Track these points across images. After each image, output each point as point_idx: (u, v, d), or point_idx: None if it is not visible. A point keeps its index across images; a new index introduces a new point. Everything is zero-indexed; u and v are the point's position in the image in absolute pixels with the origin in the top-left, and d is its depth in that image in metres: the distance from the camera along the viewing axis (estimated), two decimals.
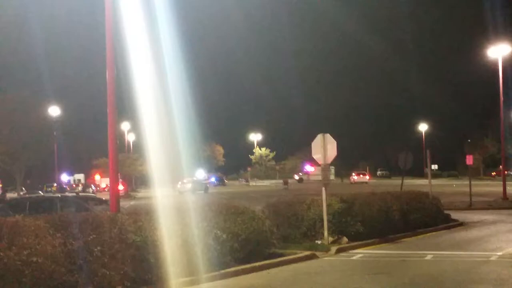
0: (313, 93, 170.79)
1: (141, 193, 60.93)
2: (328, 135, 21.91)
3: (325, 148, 21.69)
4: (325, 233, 20.77)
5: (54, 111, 75.34)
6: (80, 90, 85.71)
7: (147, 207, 16.65)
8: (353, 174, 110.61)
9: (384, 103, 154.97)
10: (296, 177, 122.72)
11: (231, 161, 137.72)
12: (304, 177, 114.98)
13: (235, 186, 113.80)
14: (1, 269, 11.17)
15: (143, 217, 14.58)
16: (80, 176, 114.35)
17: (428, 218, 26.76)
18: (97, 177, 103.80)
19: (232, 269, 15.91)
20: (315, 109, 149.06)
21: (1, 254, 11.29)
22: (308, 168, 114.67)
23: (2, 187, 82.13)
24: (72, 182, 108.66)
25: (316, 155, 21.92)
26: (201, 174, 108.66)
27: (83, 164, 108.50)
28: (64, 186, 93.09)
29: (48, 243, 12.08)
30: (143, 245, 13.80)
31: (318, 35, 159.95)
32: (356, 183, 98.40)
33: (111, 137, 16.61)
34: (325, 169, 22.03)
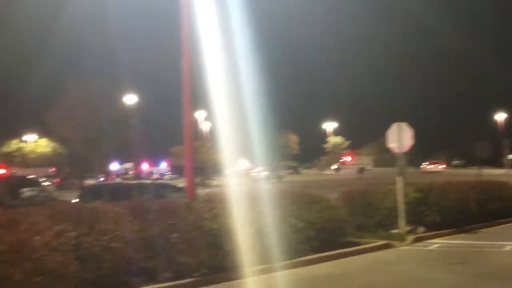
0: (385, 81, 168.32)
1: (216, 181, 61.45)
2: (404, 124, 21.64)
3: (400, 137, 21.44)
4: (401, 223, 20.50)
5: (130, 99, 76.85)
6: (157, 79, 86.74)
7: (222, 195, 16.81)
8: (427, 163, 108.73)
9: (460, 91, 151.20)
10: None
11: (305, 150, 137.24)
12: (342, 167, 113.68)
13: (309, 175, 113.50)
14: (81, 254, 11.46)
15: (218, 205, 14.68)
16: (129, 165, 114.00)
17: (507, 208, 26.04)
18: (145, 166, 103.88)
19: (308, 257, 15.89)
20: (387, 97, 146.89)
21: (82, 239, 11.58)
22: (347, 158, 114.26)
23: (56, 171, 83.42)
24: (121, 170, 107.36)
25: (392, 143, 21.67)
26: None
27: (159, 152, 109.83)
28: (115, 174, 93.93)
29: (127, 229, 12.34)
30: (219, 232, 13.91)
31: (389, 20, 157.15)
32: (429, 172, 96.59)
33: (187, 125, 16.78)
34: (400, 158, 21.77)
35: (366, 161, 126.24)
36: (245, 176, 63.05)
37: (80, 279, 11.33)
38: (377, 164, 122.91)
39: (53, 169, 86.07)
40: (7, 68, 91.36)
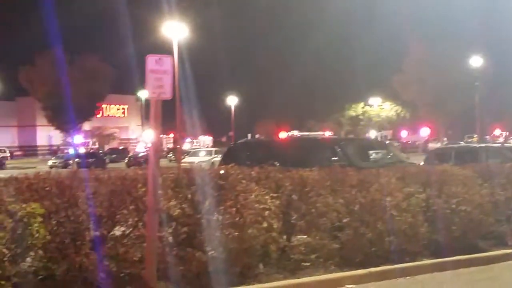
0: None
1: None
2: None
3: None
4: None
5: (476, 61, 74.69)
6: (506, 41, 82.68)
7: None
8: None
9: None
10: None
11: None
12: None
13: None
14: (430, 216, 11.57)
15: None
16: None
17: None
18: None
19: None
20: None
21: (430, 201, 11.67)
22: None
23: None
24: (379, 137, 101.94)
25: None
26: None
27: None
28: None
29: (476, 193, 12.11)
30: None
31: None
32: None
33: None
34: None
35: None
36: None
37: (428, 241, 11.47)
38: None
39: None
40: (359, 34, 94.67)
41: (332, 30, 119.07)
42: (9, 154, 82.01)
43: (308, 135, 65.24)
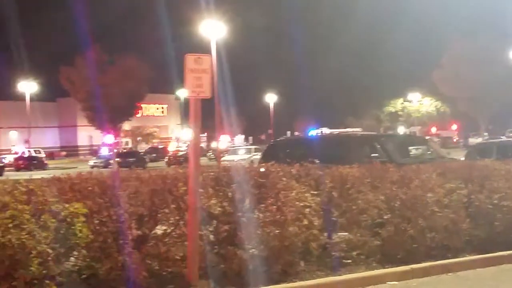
0: None
1: None
2: None
3: None
4: None
5: None
6: None
7: None
8: None
9: None
10: None
11: None
12: None
13: None
14: (472, 211, 11.45)
15: None
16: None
17: None
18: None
19: None
20: None
21: (472, 197, 11.55)
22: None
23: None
24: None
25: None
26: None
27: None
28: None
29: None
30: None
31: None
32: None
33: None
34: None
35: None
36: None
37: (471, 236, 11.36)
38: None
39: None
40: (396, 30, 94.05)
41: (370, 25, 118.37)
42: (44, 155, 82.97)
43: (338, 132, 64.60)
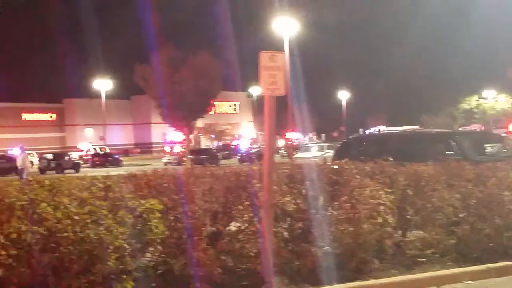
0: None
1: None
2: None
3: None
4: None
5: None
6: None
7: None
8: None
9: None
10: None
11: None
12: None
13: None
14: None
15: None
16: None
17: None
18: None
19: None
20: None
21: None
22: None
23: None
24: None
25: None
26: None
27: None
28: None
29: None
30: None
31: None
32: None
33: None
34: None
35: None
36: None
37: None
38: None
39: None
40: (470, 26, 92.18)
41: (443, 22, 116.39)
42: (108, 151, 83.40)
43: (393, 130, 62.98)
